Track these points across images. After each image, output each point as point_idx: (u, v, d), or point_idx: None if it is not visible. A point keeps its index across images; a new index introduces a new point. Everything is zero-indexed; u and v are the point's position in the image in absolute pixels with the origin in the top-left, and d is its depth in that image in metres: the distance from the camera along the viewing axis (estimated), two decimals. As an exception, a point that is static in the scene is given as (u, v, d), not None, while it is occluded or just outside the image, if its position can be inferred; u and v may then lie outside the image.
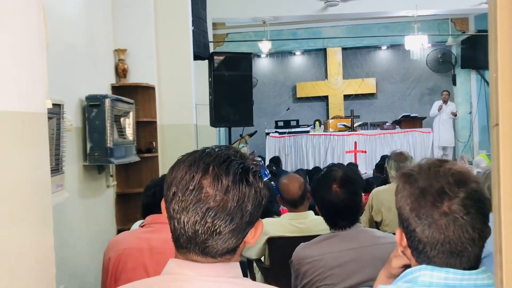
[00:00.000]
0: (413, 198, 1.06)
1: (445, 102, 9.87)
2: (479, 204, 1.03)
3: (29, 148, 1.26)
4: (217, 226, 0.95)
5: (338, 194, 1.93)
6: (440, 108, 9.88)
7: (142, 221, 2.22)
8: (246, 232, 1.01)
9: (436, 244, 1.04)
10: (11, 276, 1.25)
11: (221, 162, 0.98)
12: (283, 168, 8.78)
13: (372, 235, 1.96)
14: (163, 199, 1.05)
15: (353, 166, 6.07)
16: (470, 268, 1.04)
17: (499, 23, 0.72)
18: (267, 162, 8.55)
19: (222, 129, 9.97)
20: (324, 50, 11.76)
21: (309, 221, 2.82)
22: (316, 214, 2.87)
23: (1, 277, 1.21)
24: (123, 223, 4.34)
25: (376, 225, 3.34)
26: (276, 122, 10.35)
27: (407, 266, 1.18)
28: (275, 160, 8.19)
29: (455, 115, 10.06)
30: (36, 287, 1.34)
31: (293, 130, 10.09)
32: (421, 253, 1.07)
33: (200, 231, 0.96)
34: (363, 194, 2.09)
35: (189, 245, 0.98)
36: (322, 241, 2.02)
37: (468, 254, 1.03)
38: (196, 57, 5.29)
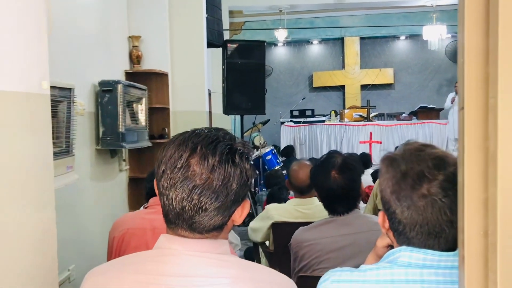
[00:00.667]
0: (394, 181, 1.09)
1: (457, 93, 9.69)
2: (457, 187, 1.05)
3: (31, 129, 1.31)
4: (203, 203, 1.00)
5: (337, 181, 1.95)
6: (453, 100, 9.73)
7: (146, 204, 2.29)
8: (232, 211, 1.05)
9: (415, 226, 1.06)
10: (14, 253, 1.31)
11: (209, 142, 1.02)
12: (297, 157, 8.79)
13: (369, 221, 1.99)
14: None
15: (365, 156, 6.06)
16: (448, 249, 1.07)
17: (467, 10, 0.75)
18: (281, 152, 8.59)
19: (238, 117, 10.03)
20: (342, 39, 11.67)
21: (314, 207, 2.85)
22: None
23: (5, 254, 1.27)
24: (135, 206, 4.43)
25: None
26: (292, 111, 10.35)
27: (391, 247, 1.21)
28: (288, 150, 8.20)
29: None
30: (40, 263, 1.41)
31: (308, 119, 10.08)
32: (401, 234, 1.10)
33: (187, 207, 1.00)
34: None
35: (177, 220, 1.03)
36: (320, 226, 2.05)
37: (446, 236, 1.06)
38: (210, 44, 5.33)
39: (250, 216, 6.34)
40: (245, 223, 6.34)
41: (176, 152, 1.02)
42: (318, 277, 1.94)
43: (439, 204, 1.05)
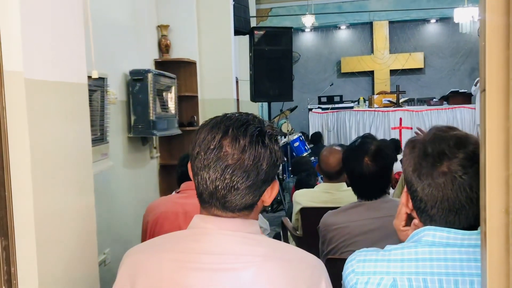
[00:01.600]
0: (416, 159, 1.12)
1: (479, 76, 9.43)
2: (477, 165, 1.07)
3: (71, 117, 1.39)
4: (235, 182, 1.05)
5: (368, 167, 1.96)
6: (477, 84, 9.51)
7: (178, 189, 2.37)
8: (262, 190, 1.10)
9: (435, 202, 1.09)
10: (57, 235, 1.39)
11: (240, 125, 1.07)
12: (325, 144, 8.77)
13: (397, 205, 1.99)
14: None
15: (394, 142, 6.01)
16: (469, 227, 1.09)
17: (488, -8, 0.76)
18: (309, 138, 8.58)
19: (265, 104, 10.05)
20: (370, 23, 11.50)
21: (342, 192, 2.88)
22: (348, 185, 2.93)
23: (49, 237, 1.35)
24: (166, 192, 4.54)
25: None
26: (319, 97, 10.30)
27: (410, 222, 1.24)
28: (316, 136, 8.19)
29: None
30: (79, 244, 1.49)
31: (336, 106, 10.02)
32: (423, 212, 1.13)
33: (220, 187, 1.06)
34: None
35: (211, 199, 1.08)
36: (348, 209, 2.08)
37: (466, 213, 1.08)
38: (237, 32, 5.36)
39: (279, 203, 6.40)
40: (274, 209, 6.41)
41: (209, 134, 1.07)
42: (345, 260, 1.99)
43: (459, 181, 1.07)
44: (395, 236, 1.92)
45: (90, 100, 2.60)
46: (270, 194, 1.14)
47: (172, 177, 4.69)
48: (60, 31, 1.33)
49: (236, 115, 1.13)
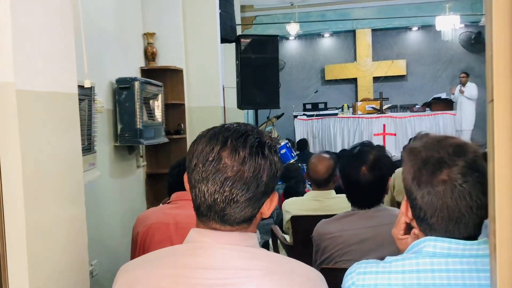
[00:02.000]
0: (415, 167, 1.11)
1: (463, 84, 9.46)
2: (477, 174, 1.07)
3: (62, 127, 1.35)
4: (235, 194, 1.02)
5: (365, 176, 1.94)
6: (452, 91, 9.59)
7: (167, 199, 2.33)
8: (262, 202, 1.08)
9: (434, 211, 1.09)
10: (48, 247, 1.36)
11: (239, 136, 1.05)
12: (311, 151, 8.79)
13: (391, 214, 1.99)
14: (185, 172, 1.13)
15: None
16: (469, 236, 1.09)
17: (495, 3, 0.76)
18: (295, 145, 8.59)
19: (250, 112, 10.04)
20: (353, 31, 11.61)
21: (330, 199, 2.87)
22: (337, 193, 2.93)
23: (40, 248, 1.31)
24: (153, 202, 4.49)
25: (398, 205, 3.37)
26: (304, 104, 10.34)
27: (409, 231, 1.23)
28: (302, 143, 8.21)
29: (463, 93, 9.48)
30: (70, 256, 1.45)
31: (321, 112, 10.07)
32: (423, 221, 1.12)
33: (219, 200, 1.03)
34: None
35: (209, 213, 1.06)
36: (342, 218, 2.07)
37: (465, 222, 1.08)
38: (224, 40, 5.35)
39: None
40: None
41: (207, 145, 1.05)
42: (341, 269, 1.97)
43: (459, 189, 1.07)
44: (389, 245, 1.92)
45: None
46: (269, 206, 1.11)
47: (159, 186, 4.66)
48: (50, 42, 1.31)
49: (235, 125, 1.10)
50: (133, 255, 2.12)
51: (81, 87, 2.58)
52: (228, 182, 1.02)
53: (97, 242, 3.37)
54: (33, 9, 1.24)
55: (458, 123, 9.55)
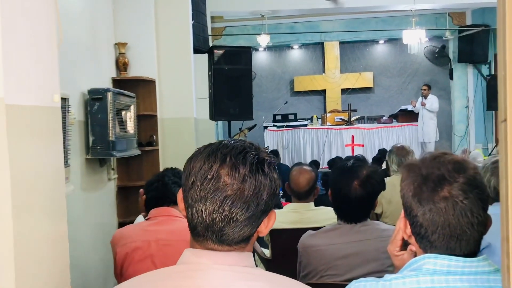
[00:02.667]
0: (416, 184, 1.12)
1: (425, 97, 9.64)
2: (477, 190, 1.08)
3: (45, 141, 1.30)
4: (234, 214, 0.99)
5: (356, 191, 1.94)
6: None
7: (143, 214, 2.26)
8: (260, 221, 1.05)
9: (436, 228, 1.09)
10: (29, 263, 1.28)
11: (238, 152, 1.02)
12: (281, 161, 8.82)
13: (377, 228, 2.00)
14: (180, 190, 1.08)
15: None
16: (470, 253, 1.09)
17: (508, 22, 0.76)
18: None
19: (220, 123, 9.99)
20: (322, 44, 11.77)
21: (310, 211, 2.87)
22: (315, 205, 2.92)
23: (18, 263, 1.24)
24: (124, 216, 4.38)
25: (376, 217, 3.39)
26: (274, 115, 10.39)
27: (405, 247, 1.23)
28: (274, 154, 8.22)
29: (424, 105, 9.61)
30: (53, 273, 1.38)
31: (291, 123, 10.14)
32: (423, 238, 1.12)
33: (217, 219, 0.99)
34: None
35: (206, 233, 1.02)
36: (328, 232, 2.05)
37: (467, 238, 1.08)
38: (196, 50, 5.31)
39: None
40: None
41: (205, 163, 1.01)
42: (327, 284, 1.96)
43: (460, 206, 1.07)
44: (375, 261, 1.92)
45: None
46: (267, 225, 1.09)
47: (130, 199, 4.54)
48: (36, 56, 1.26)
49: (232, 142, 1.07)
50: (115, 276, 2.05)
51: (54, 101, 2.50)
52: (227, 201, 0.99)
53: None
54: (20, 24, 1.19)
55: (420, 135, 9.75)
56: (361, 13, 10.72)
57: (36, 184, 1.27)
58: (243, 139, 1.12)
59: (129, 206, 4.44)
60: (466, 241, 1.09)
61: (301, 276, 2.07)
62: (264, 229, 1.09)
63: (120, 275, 2.00)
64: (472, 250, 1.11)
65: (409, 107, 10.25)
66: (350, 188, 1.93)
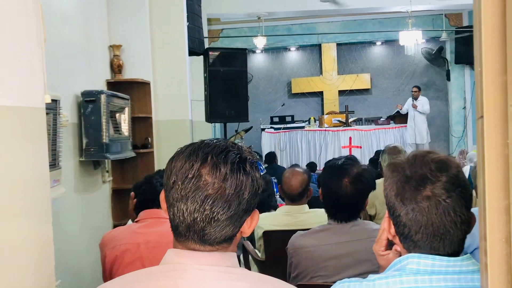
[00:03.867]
0: (398, 184, 1.11)
1: (415, 98, 9.54)
2: (460, 189, 1.08)
3: (28, 143, 1.29)
4: (215, 213, 0.98)
5: (347, 189, 1.93)
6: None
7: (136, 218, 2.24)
8: (242, 221, 1.04)
9: (419, 227, 1.08)
10: (11, 267, 1.27)
11: (219, 151, 1.01)
12: (279, 163, 8.80)
13: (367, 228, 1.98)
14: (162, 191, 1.07)
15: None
16: (454, 252, 1.09)
17: (483, 19, 0.75)
18: (263, 158, 8.59)
19: (217, 125, 9.99)
20: (319, 45, 11.76)
21: (303, 214, 2.85)
22: (310, 207, 2.91)
23: (3, 270, 1.23)
24: (119, 218, 4.36)
25: (370, 218, 3.38)
26: (272, 117, 10.38)
27: (390, 247, 1.22)
28: (270, 156, 8.21)
29: (416, 107, 9.50)
30: (36, 278, 1.37)
31: (288, 125, 10.13)
32: (407, 237, 1.11)
33: (198, 219, 0.98)
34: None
35: (188, 233, 1.01)
36: (318, 232, 2.04)
37: (450, 237, 1.07)
38: (191, 52, 5.31)
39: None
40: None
41: (186, 162, 1.00)
42: (317, 285, 1.95)
43: (443, 205, 1.06)
44: (367, 262, 1.91)
45: (42, 124, 2.45)
46: (250, 225, 1.08)
47: (125, 201, 4.51)
48: (19, 56, 1.24)
49: (214, 141, 1.07)
50: (104, 279, 2.03)
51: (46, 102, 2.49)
52: (208, 200, 0.98)
53: (61, 261, 3.22)
54: (0, 22, 1.17)
55: (413, 137, 9.66)
56: (358, 15, 10.73)
57: (18, 187, 1.26)
58: (225, 139, 1.11)
59: (124, 208, 4.42)
60: (450, 240, 1.08)
61: (292, 278, 2.05)
62: (247, 229, 1.08)
63: (110, 278, 1.99)
64: (456, 249, 1.10)
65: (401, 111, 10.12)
66: (341, 186, 1.93)
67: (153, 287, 1.00)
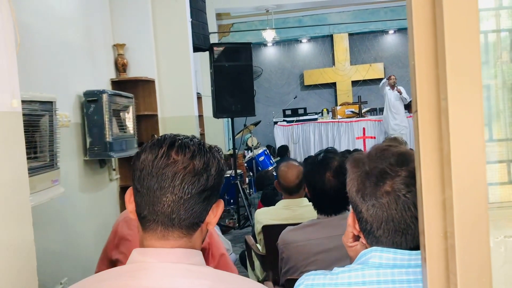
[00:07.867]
0: (359, 180, 1.10)
1: (392, 87, 8.86)
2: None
3: (4, 147, 1.30)
4: (185, 188, 1.00)
5: (330, 183, 1.93)
6: (400, 92, 8.88)
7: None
8: (209, 206, 1.05)
9: (381, 223, 1.07)
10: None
11: (185, 137, 1.05)
12: (292, 156, 8.79)
13: (355, 222, 1.97)
14: (127, 192, 1.09)
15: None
16: (416, 246, 1.07)
17: (414, 14, 0.75)
18: (276, 152, 8.58)
19: (230, 119, 10.02)
20: (331, 36, 11.68)
21: (302, 208, 2.85)
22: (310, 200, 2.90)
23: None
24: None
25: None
26: (284, 110, 10.35)
27: (357, 239, 1.21)
28: (283, 149, 8.20)
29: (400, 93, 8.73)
30: (18, 280, 1.40)
31: (301, 118, 10.08)
32: (370, 233, 1.10)
33: (168, 197, 0.99)
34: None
35: (156, 215, 1.01)
36: (306, 227, 2.04)
37: (412, 232, 1.06)
38: (197, 49, 5.32)
39: (246, 219, 6.34)
40: (241, 226, 6.34)
41: (154, 149, 1.02)
42: (306, 280, 1.94)
43: (403, 200, 1.05)
44: (355, 255, 1.90)
45: (37, 126, 2.50)
46: (215, 214, 1.09)
47: (133, 198, 4.58)
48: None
49: (175, 134, 1.10)
50: (107, 247, 2.00)
51: (40, 102, 2.54)
52: (178, 175, 0.99)
53: (68, 258, 3.29)
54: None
55: (387, 128, 9.07)
56: (370, 4, 10.61)
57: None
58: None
59: (132, 205, 4.48)
60: (412, 235, 1.07)
61: (283, 272, 2.06)
62: (213, 218, 1.09)
63: (116, 247, 1.94)
64: (418, 243, 1.09)
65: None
66: (324, 180, 1.92)
67: (116, 286, 1.02)
